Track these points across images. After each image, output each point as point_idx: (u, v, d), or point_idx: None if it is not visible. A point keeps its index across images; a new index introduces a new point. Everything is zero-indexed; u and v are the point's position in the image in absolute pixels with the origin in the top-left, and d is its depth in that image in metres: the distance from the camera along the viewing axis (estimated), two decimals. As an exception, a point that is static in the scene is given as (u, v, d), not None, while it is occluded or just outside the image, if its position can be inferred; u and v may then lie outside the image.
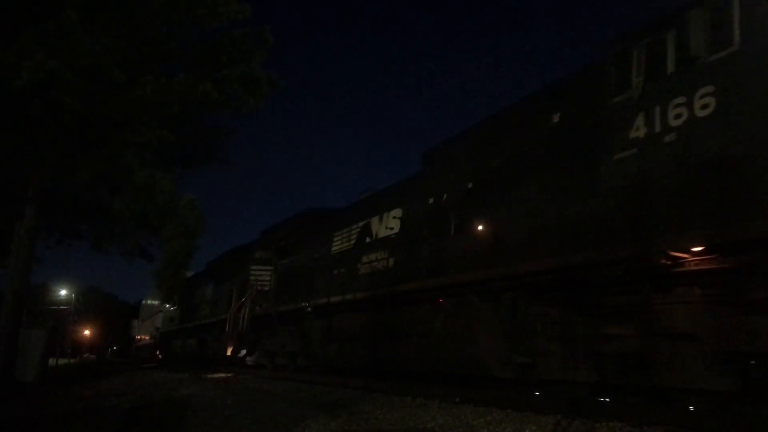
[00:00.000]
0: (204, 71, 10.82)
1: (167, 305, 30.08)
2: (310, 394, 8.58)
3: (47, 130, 10.08)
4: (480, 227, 7.89)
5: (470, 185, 8.36)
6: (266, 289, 15.66)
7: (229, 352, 16.50)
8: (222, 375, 14.40)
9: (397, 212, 10.03)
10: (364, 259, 10.68)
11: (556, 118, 7.17)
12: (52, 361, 21.77)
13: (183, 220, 14.74)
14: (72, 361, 37.35)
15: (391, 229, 10.00)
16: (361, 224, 11.21)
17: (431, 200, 9.21)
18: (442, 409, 6.11)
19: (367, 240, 10.79)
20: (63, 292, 44.20)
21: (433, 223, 8.94)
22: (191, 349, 23.35)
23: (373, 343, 10.07)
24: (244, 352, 16.40)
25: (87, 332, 56.88)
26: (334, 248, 12.16)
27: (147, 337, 37.29)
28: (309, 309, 12.41)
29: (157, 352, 31.76)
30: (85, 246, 14.56)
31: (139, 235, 13.95)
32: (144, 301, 40.90)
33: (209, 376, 14.08)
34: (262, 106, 11.57)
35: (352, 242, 11.38)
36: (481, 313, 7.70)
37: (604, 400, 6.15)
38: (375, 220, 10.71)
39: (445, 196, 8.85)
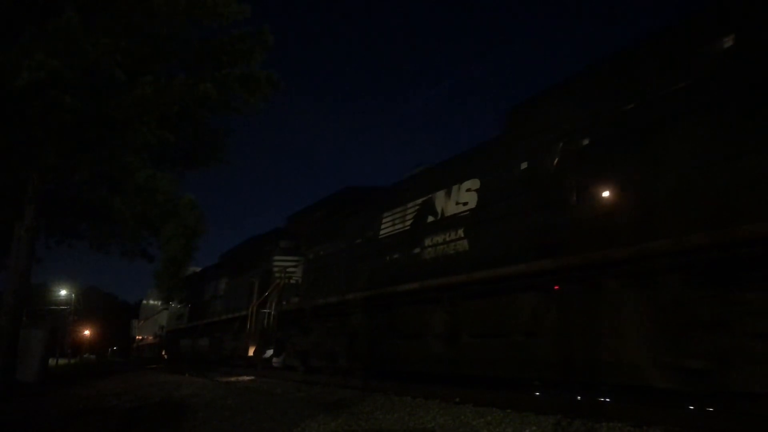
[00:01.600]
0: (204, 71, 10.84)
1: (171, 303, 29.27)
2: (310, 394, 8.59)
3: (47, 130, 10.09)
4: (618, 191, 6.05)
5: (586, 141, 6.60)
6: (294, 281, 13.92)
7: (251, 353, 14.71)
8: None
9: (472, 184, 8.34)
10: (427, 241, 9.02)
11: (728, 41, 5.46)
12: (52, 362, 21.75)
13: (183, 220, 14.45)
14: (72, 361, 37.36)
15: (464, 204, 8.37)
16: (419, 201, 9.49)
17: (524, 165, 7.46)
18: (442, 409, 6.11)
19: (430, 219, 9.11)
20: (63, 292, 44.19)
21: (532, 193, 7.17)
22: (203, 349, 21.42)
23: (450, 342, 8.22)
24: (270, 352, 14.44)
25: (87, 332, 56.87)
26: (383, 231, 10.41)
27: (150, 337, 36.27)
28: (355, 302, 10.65)
29: (163, 352, 30.11)
30: (85, 246, 14.55)
31: (139, 235, 13.95)
32: (144, 301, 40.85)
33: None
34: (263, 106, 11.62)
35: (408, 223, 9.69)
36: (627, 302, 5.86)
37: (604, 400, 6.13)
38: (440, 196, 9.01)
39: (555, 158, 6.95)
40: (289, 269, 14.32)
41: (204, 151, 13.14)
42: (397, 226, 10.05)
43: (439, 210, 9.00)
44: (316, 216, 13.80)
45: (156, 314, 33.94)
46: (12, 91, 8.95)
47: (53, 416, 8.21)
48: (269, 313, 14.06)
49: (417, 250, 9.21)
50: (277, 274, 14.56)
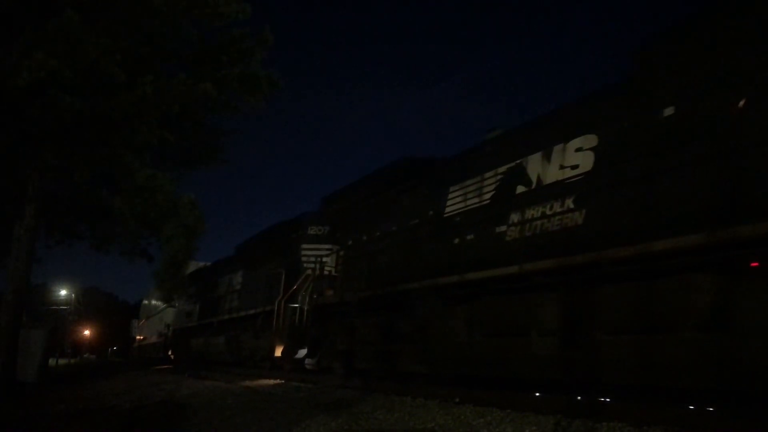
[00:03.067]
0: (204, 71, 10.85)
1: (174, 303, 28.17)
2: (310, 394, 8.58)
3: (47, 130, 10.09)
4: None
5: None
6: (327, 272, 12.18)
7: (278, 353, 12.94)
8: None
9: (585, 141, 6.73)
10: (515, 217, 7.37)
11: None
12: (52, 362, 21.78)
13: (183, 220, 14.33)
14: (72, 361, 37.40)
15: (574, 167, 6.80)
16: (503, 170, 7.87)
17: (670, 110, 5.91)
18: (442, 409, 6.11)
19: (520, 190, 7.50)
20: (63, 292, 44.30)
21: (695, 142, 5.53)
22: (218, 348, 19.46)
23: (567, 340, 6.47)
24: (303, 352, 12.46)
25: (87, 332, 56.98)
26: (450, 208, 8.72)
27: (154, 337, 34.81)
28: (419, 293, 8.89)
29: (170, 353, 27.91)
30: (85, 246, 14.55)
31: (139, 235, 13.95)
32: (145, 302, 40.77)
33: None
34: (263, 105, 11.62)
35: (487, 196, 8.04)
36: None
37: (604, 400, 6.12)
38: (534, 160, 7.37)
39: (741, 95, 5.26)
40: (321, 259, 12.61)
41: (204, 151, 13.16)
42: (470, 201, 8.36)
43: (533, 177, 7.35)
44: (360, 195, 11.74)
45: (160, 312, 32.79)
46: (12, 91, 8.96)
47: (53, 416, 8.22)
48: (301, 309, 12.31)
49: (502, 228, 7.56)
50: (305, 265, 13.04)
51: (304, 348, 12.44)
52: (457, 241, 8.42)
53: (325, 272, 12.28)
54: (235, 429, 6.46)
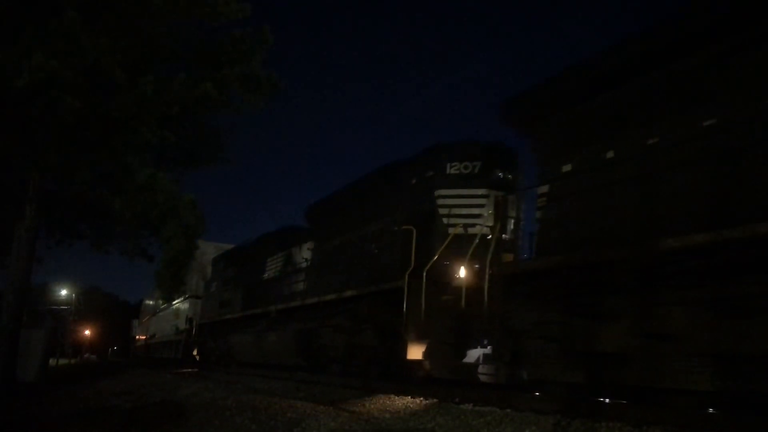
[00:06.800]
0: (204, 71, 10.86)
1: (177, 299, 26.40)
2: (310, 394, 8.57)
3: (47, 130, 10.11)
4: None
5: None
6: (488, 228, 8.19)
7: (416, 354, 8.58)
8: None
9: None
10: None
11: None
12: (52, 361, 21.78)
13: (183, 220, 14.21)
14: (72, 361, 37.44)
15: None
16: None
17: None
18: (442, 408, 6.10)
19: None
20: (63, 292, 44.39)
21: None
22: (279, 347, 14.00)
23: None
24: (476, 353, 8.02)
25: (87, 332, 57.08)
26: None
27: (170, 335, 28.92)
28: None
29: (195, 352, 22.69)
30: (86, 246, 14.58)
31: (140, 235, 13.97)
32: (149, 301, 40.67)
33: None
34: (264, 105, 11.63)
35: None
36: None
37: (604, 400, 6.12)
38: None
39: None
40: (471, 210, 8.67)
41: (204, 151, 13.17)
42: None
43: None
44: (605, 84, 6.51)
45: (176, 304, 28.28)
46: (12, 91, 8.97)
47: (53, 416, 8.22)
48: (472, 286, 7.59)
49: None
50: (445, 220, 8.91)
51: (476, 348, 8.09)
52: None
53: (468, 232, 8.40)
54: (235, 429, 6.45)
